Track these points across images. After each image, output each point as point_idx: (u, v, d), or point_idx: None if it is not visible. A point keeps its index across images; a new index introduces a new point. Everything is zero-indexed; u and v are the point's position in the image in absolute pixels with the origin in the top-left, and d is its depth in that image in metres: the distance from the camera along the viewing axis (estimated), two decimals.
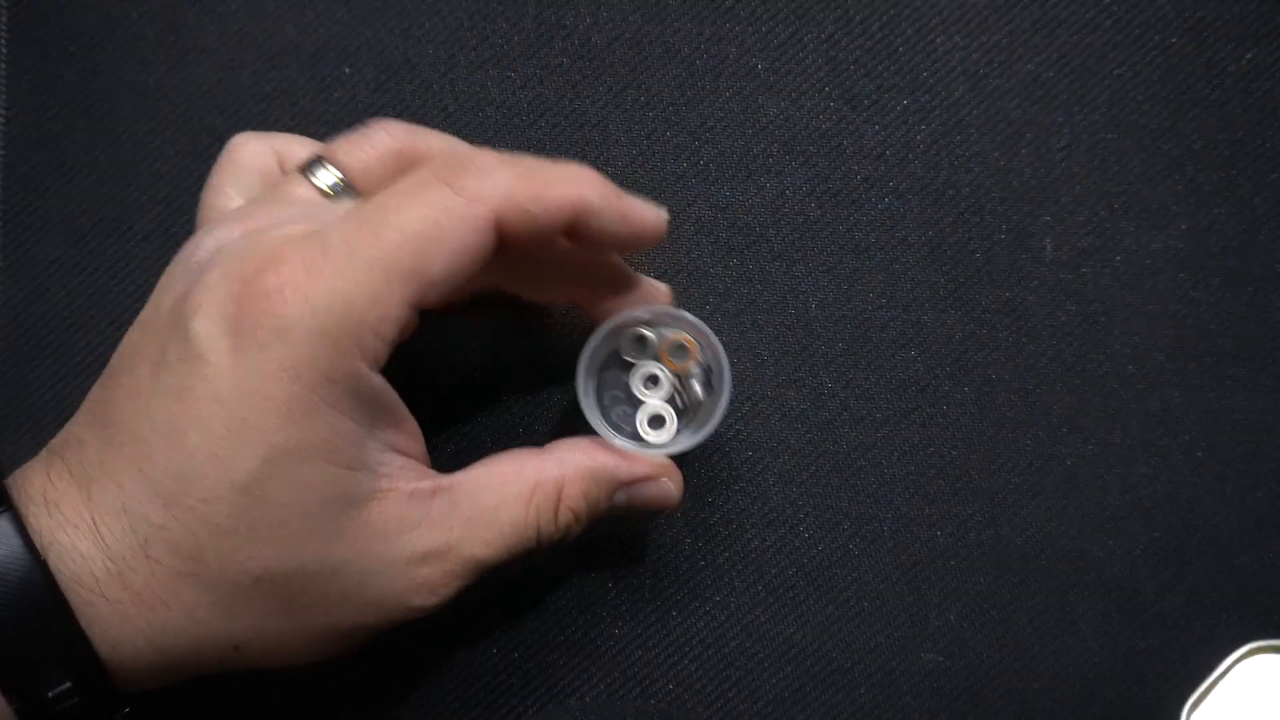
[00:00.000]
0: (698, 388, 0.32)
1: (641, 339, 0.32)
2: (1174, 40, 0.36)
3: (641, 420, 0.32)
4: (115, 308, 0.37)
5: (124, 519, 0.26)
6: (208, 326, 0.26)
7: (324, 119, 0.37)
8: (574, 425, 0.33)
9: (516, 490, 0.29)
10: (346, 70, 0.37)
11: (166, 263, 0.37)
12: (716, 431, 0.31)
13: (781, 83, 0.37)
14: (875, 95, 0.37)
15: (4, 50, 0.38)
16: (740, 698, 0.35)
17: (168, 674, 0.27)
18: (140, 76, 0.37)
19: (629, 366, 0.33)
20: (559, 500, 0.30)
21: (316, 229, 0.27)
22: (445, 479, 0.29)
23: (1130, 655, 0.35)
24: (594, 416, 0.31)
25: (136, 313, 0.36)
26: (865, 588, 0.35)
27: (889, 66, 0.37)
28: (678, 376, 0.33)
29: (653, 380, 0.33)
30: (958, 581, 0.35)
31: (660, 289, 0.33)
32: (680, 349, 0.32)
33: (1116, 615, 0.35)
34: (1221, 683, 0.31)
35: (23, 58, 0.38)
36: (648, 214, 0.30)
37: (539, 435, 0.36)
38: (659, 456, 0.31)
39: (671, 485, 0.31)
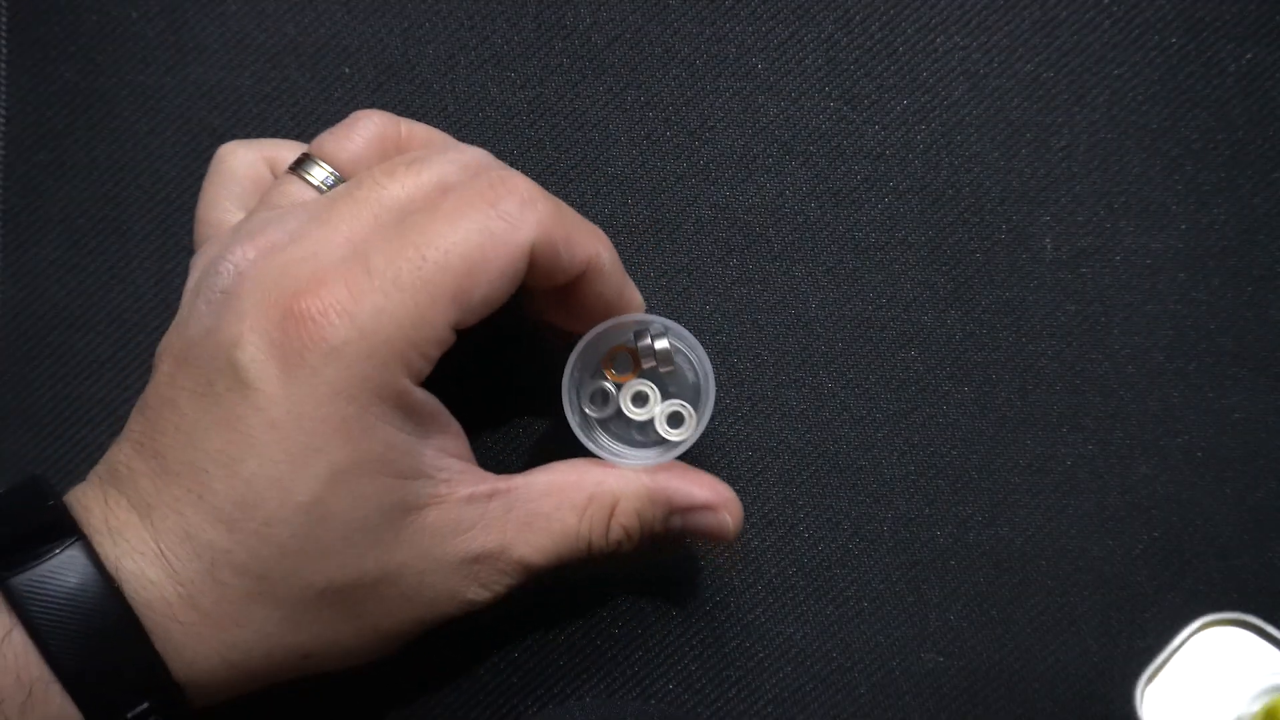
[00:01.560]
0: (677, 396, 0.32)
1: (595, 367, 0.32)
2: (1174, 40, 0.36)
3: (660, 421, 0.32)
4: (115, 307, 0.37)
5: (189, 545, 0.27)
6: (253, 355, 0.26)
7: (324, 119, 0.37)
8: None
9: (573, 499, 0.30)
10: (346, 70, 0.37)
11: (166, 262, 0.37)
12: (709, 426, 0.31)
13: (781, 83, 0.37)
14: (875, 95, 0.37)
15: (4, 50, 0.38)
16: (740, 697, 0.35)
17: (242, 686, 0.28)
18: (140, 76, 0.38)
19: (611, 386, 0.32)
20: (612, 515, 0.30)
21: (353, 240, 0.28)
22: (504, 481, 0.30)
23: (1130, 655, 0.35)
24: (582, 437, 0.31)
25: (136, 312, 0.37)
26: (865, 588, 0.35)
27: (889, 66, 0.37)
28: (653, 378, 0.32)
29: (641, 398, 0.32)
30: (958, 581, 0.35)
31: (638, 297, 0.32)
32: (622, 359, 0.32)
33: (1116, 615, 0.35)
34: (1176, 657, 0.31)
35: (23, 58, 0.38)
36: (636, 296, 0.31)
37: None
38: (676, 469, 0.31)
39: (729, 519, 0.31)
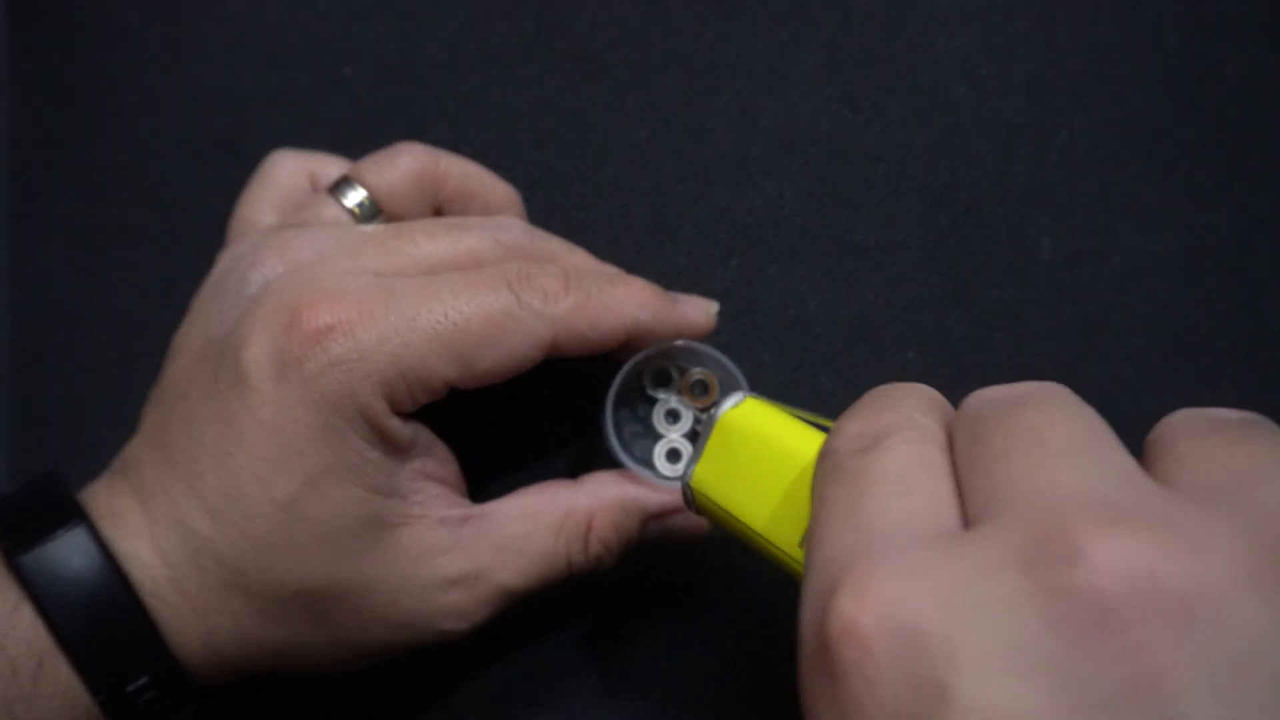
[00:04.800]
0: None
1: (665, 373, 0.33)
2: (1173, 41, 0.36)
3: (659, 454, 0.33)
4: (120, 307, 0.37)
5: (177, 531, 0.28)
6: (255, 355, 0.28)
7: (325, 120, 0.37)
8: (606, 457, 0.33)
9: (547, 520, 0.31)
10: (346, 71, 0.37)
11: (171, 262, 0.37)
12: None
13: (781, 84, 0.37)
14: (875, 96, 0.37)
15: (5, 52, 0.38)
16: (740, 698, 0.35)
17: (224, 672, 0.29)
18: (142, 78, 0.38)
19: (650, 400, 0.33)
20: (589, 531, 0.31)
21: (380, 274, 0.29)
22: (477, 508, 0.31)
23: None
24: (620, 452, 0.32)
25: (143, 312, 0.37)
26: None
27: (889, 68, 0.37)
28: (698, 412, 0.33)
29: (673, 415, 0.33)
30: None
31: (700, 312, 0.32)
32: (701, 385, 0.33)
33: None
34: None
35: (24, 59, 0.38)
36: (697, 317, 0.31)
37: (574, 468, 0.36)
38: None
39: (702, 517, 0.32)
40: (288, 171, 0.34)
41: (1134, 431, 0.35)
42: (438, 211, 0.34)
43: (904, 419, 0.22)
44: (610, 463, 0.33)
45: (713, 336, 0.36)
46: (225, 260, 0.32)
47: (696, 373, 0.33)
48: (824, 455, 0.22)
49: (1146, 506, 0.18)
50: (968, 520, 0.20)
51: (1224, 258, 0.36)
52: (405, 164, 0.32)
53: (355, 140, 0.37)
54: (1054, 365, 0.36)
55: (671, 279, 0.36)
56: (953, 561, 0.18)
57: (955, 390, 0.36)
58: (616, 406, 0.32)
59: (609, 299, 0.30)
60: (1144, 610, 0.16)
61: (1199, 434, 0.20)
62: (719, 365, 0.32)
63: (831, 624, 0.18)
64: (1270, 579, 0.17)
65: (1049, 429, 0.20)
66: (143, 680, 0.28)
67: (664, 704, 0.35)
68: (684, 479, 0.28)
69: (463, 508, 0.30)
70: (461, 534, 0.30)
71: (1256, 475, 0.18)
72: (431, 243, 0.30)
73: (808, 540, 0.21)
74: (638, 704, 0.35)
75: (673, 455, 0.33)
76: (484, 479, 0.34)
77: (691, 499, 0.28)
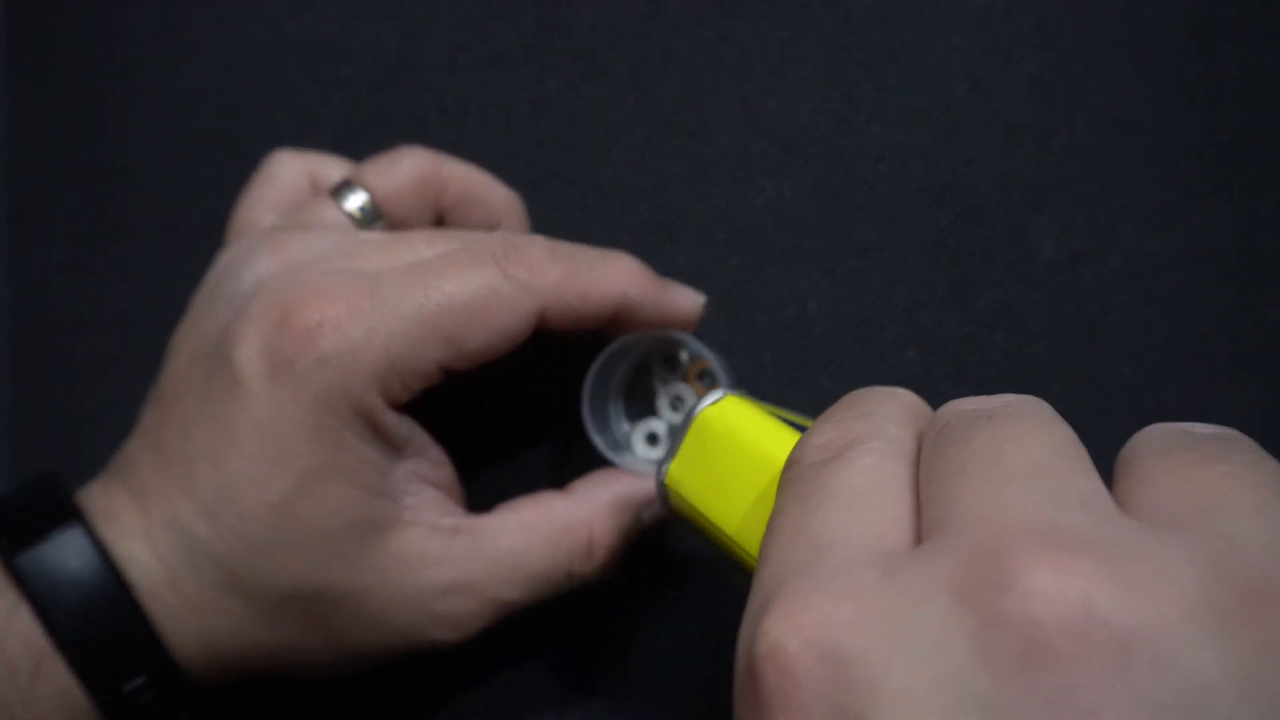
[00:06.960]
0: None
1: (675, 360, 0.33)
2: (1174, 40, 0.36)
3: (638, 438, 0.33)
4: (119, 308, 0.37)
5: (173, 531, 0.28)
6: (248, 356, 0.28)
7: (324, 120, 0.37)
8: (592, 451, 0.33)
9: (544, 534, 0.30)
10: (346, 71, 0.37)
11: (170, 262, 0.37)
12: None
13: (781, 84, 0.37)
14: (875, 96, 0.37)
15: (5, 52, 0.38)
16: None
17: (221, 673, 0.29)
18: (141, 77, 0.38)
19: (647, 388, 0.33)
20: (591, 541, 0.31)
21: (370, 271, 0.29)
22: (470, 520, 0.30)
23: None
24: (594, 434, 0.32)
25: (142, 312, 0.37)
26: None
27: (889, 67, 0.37)
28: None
29: (679, 401, 0.33)
30: None
31: (688, 300, 0.32)
32: (709, 375, 0.33)
33: None
34: None
35: (24, 59, 0.38)
36: (684, 303, 0.32)
37: (564, 464, 0.36)
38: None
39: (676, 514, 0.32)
40: (288, 172, 0.34)
41: (1132, 433, 0.35)
42: (439, 220, 0.34)
43: (874, 430, 0.21)
44: (598, 457, 0.33)
45: (713, 336, 0.36)
46: (222, 259, 0.32)
47: (704, 362, 0.33)
48: (789, 464, 0.22)
49: (1094, 534, 0.16)
50: (920, 539, 0.19)
51: (1224, 258, 0.36)
52: (407, 168, 0.32)
53: (355, 140, 0.37)
54: (1054, 365, 0.36)
55: (671, 278, 0.36)
56: (888, 585, 0.17)
57: (955, 391, 0.36)
58: (619, 396, 0.32)
59: (599, 272, 0.30)
60: (1079, 646, 0.15)
61: (1166, 453, 0.19)
62: (707, 355, 0.33)
63: (759, 645, 0.17)
64: (1223, 617, 0.15)
65: (1008, 447, 0.19)
66: (140, 680, 0.28)
67: (664, 704, 0.35)
68: (659, 475, 0.27)
69: (456, 517, 0.30)
70: (454, 545, 0.30)
71: (1222, 500, 0.17)
72: (432, 249, 0.30)
73: (759, 553, 0.20)
74: (637, 704, 0.35)
75: (651, 439, 0.33)
76: (476, 478, 0.34)
77: (665, 496, 0.27)
